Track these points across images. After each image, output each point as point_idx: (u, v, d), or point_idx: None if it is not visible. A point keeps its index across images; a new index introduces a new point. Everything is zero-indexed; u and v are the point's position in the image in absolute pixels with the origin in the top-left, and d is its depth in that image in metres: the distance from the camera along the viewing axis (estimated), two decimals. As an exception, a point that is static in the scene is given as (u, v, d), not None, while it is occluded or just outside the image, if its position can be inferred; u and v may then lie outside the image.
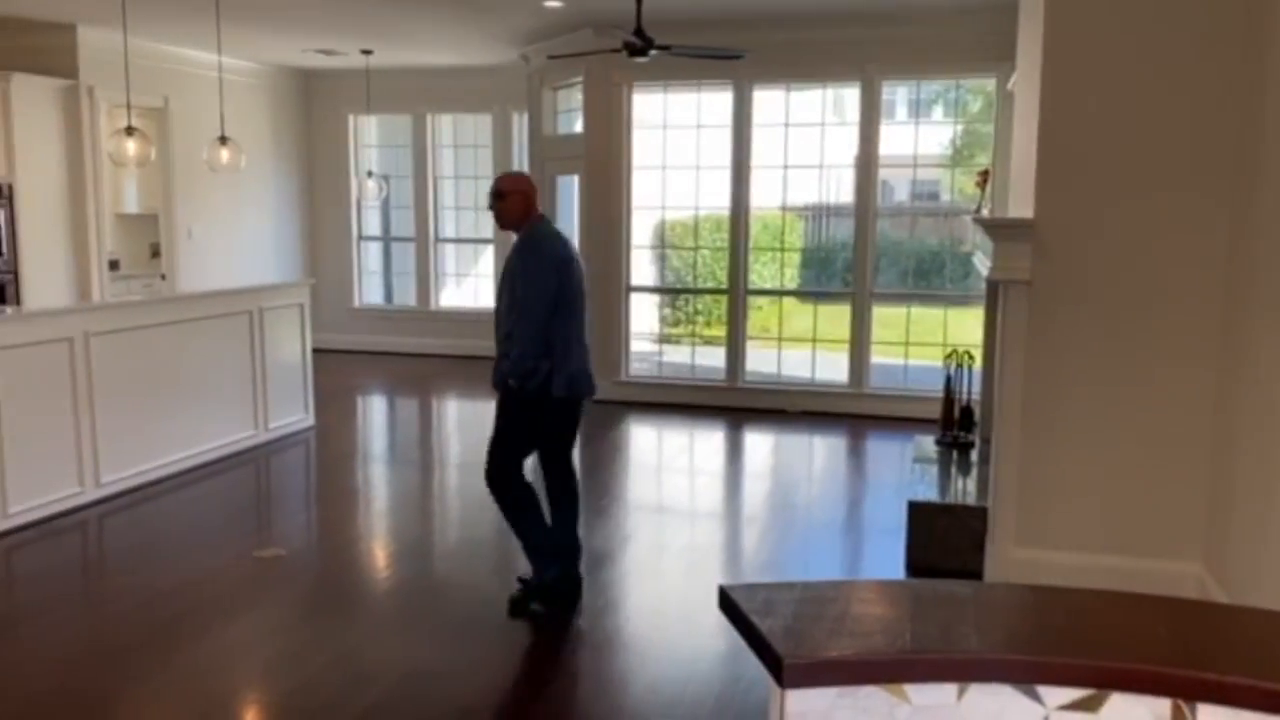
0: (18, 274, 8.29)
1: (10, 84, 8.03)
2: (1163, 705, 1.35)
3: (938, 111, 9.25)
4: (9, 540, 5.25)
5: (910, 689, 1.38)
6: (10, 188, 8.18)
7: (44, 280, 8.43)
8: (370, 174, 11.05)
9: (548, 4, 7.48)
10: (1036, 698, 1.37)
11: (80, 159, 8.62)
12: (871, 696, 1.38)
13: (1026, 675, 1.36)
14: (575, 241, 9.30)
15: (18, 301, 8.22)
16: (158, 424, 6.27)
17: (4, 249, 8.28)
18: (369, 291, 11.87)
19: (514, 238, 4.61)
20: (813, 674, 1.36)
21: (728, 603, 1.55)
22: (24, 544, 5.26)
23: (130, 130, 6.59)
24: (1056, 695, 1.37)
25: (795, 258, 9.85)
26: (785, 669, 1.35)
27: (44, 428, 5.54)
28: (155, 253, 9.77)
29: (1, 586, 4.83)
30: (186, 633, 4.21)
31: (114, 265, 9.24)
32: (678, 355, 9.73)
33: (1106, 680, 1.35)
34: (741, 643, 4.03)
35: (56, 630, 4.27)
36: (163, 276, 9.58)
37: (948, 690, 1.38)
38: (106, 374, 5.88)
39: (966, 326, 8.39)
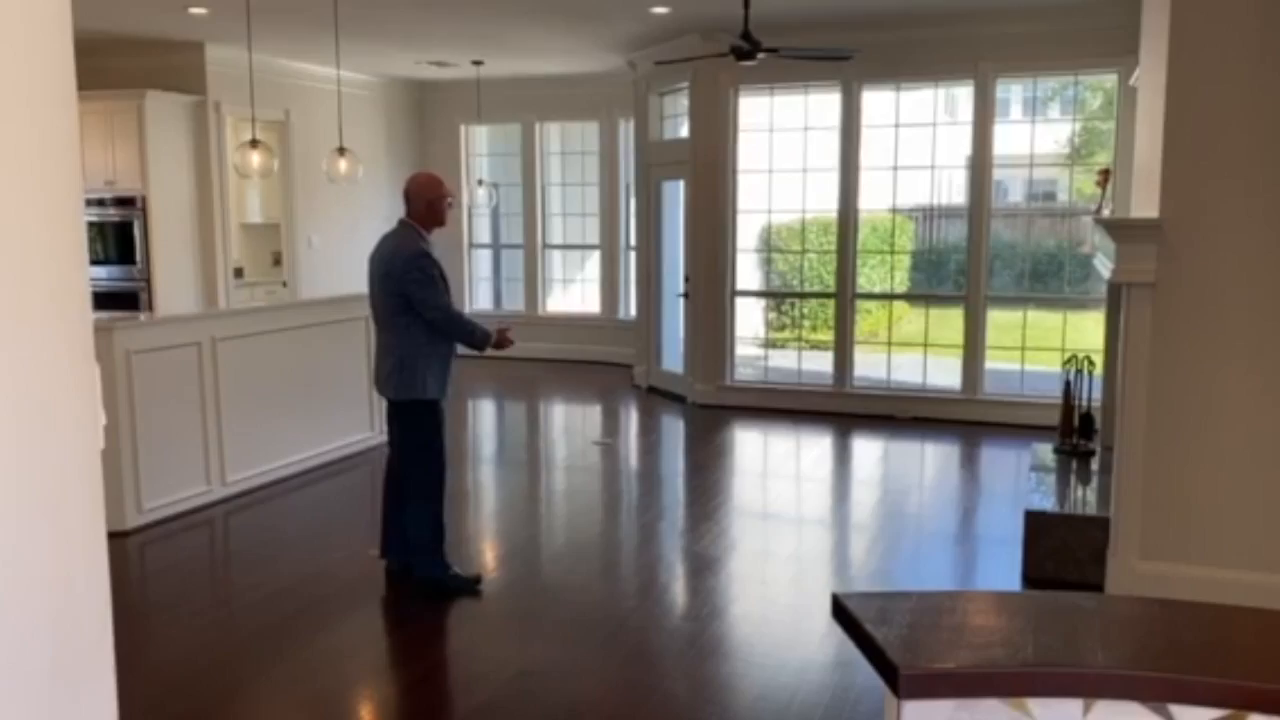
0: (150, 282, 8.71)
1: (144, 101, 8.44)
2: (1307, 729, 1.28)
3: (1054, 109, 8.97)
4: (142, 536, 5.50)
5: (1032, 703, 1.34)
6: (144, 200, 8.59)
7: (173, 287, 8.83)
8: (481, 182, 11.27)
9: (655, 10, 7.51)
10: (1168, 717, 1.31)
11: (207, 171, 9.01)
12: (992, 710, 1.34)
13: (1159, 693, 1.31)
14: (680, 246, 9.33)
15: (150, 308, 8.63)
16: (280, 425, 6.50)
17: (138, 258, 8.70)
18: (479, 297, 12.10)
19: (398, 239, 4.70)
20: (930, 685, 1.33)
21: (842, 610, 1.52)
22: (156, 539, 5.51)
23: (254, 143, 6.85)
24: (1191, 715, 1.31)
25: (905, 260, 9.67)
26: (902, 679, 1.33)
27: (174, 429, 5.79)
28: (277, 260, 10.14)
29: (135, 580, 5.07)
30: (305, 628, 4.35)
31: (238, 273, 9.62)
32: (783, 360, 9.65)
33: (1245, 701, 1.28)
34: (851, 652, 3.95)
35: (184, 622, 4.46)
36: (284, 283, 9.93)
37: (1072, 706, 1.33)
38: (232, 377, 6.12)
39: (1086, 331, 8.12)
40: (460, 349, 4.80)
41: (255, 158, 6.84)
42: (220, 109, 8.94)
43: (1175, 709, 1.31)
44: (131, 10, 7.44)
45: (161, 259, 8.75)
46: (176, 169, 8.83)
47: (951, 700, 1.34)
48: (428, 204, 4.64)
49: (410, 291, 4.52)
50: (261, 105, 7.44)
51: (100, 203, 8.61)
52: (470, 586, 4.74)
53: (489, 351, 4.82)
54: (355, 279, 10.05)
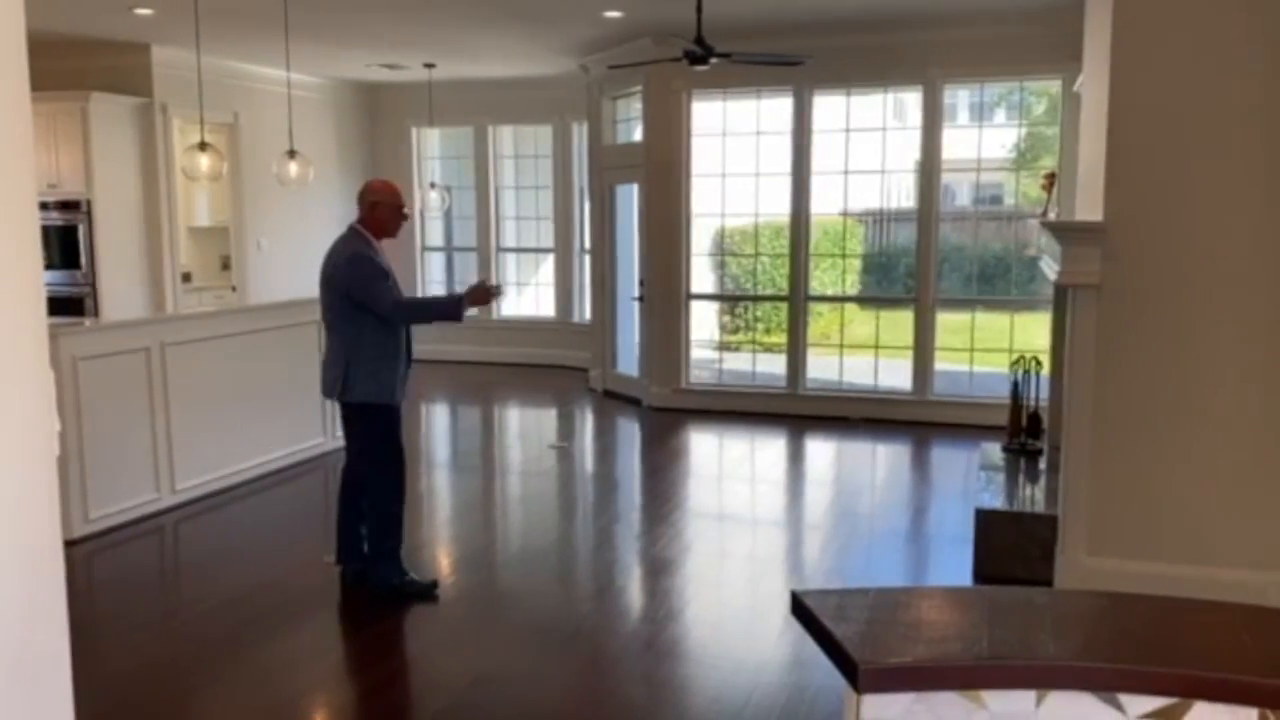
0: (96, 287, 8.55)
1: (89, 103, 8.30)
2: (1249, 715, 1.32)
3: (1000, 114, 9.13)
4: (90, 545, 5.40)
5: (988, 695, 1.37)
6: (89, 203, 8.44)
7: (120, 292, 8.68)
8: (433, 185, 11.20)
9: (607, 14, 7.53)
10: (1118, 706, 1.35)
11: (154, 174, 8.87)
12: (948, 703, 1.37)
13: (1107, 683, 1.35)
14: (635, 249, 9.36)
15: (96, 313, 8.47)
16: (230, 432, 6.41)
17: (83, 263, 8.54)
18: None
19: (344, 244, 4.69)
20: (889, 679, 1.36)
21: (801, 608, 1.55)
22: (104, 548, 5.42)
23: (203, 146, 6.75)
24: (1138, 704, 1.35)
25: (855, 264, 9.78)
26: (861, 674, 1.35)
27: (122, 435, 5.70)
28: (225, 265, 10.01)
29: (83, 590, 4.97)
30: (259, 637, 4.31)
31: (186, 277, 9.48)
32: (737, 363, 9.72)
33: (1191, 689, 1.32)
34: (806, 652, 3.98)
35: (135, 633, 4.39)
36: (233, 288, 9.80)
37: (1026, 698, 1.37)
38: (181, 383, 6.03)
39: (1032, 332, 8.26)
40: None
41: (204, 161, 6.74)
42: (167, 111, 8.81)
43: (1124, 698, 1.35)
44: (75, 11, 7.31)
45: (107, 263, 8.60)
46: (122, 172, 8.68)
47: (909, 694, 1.37)
48: (371, 206, 4.60)
49: (356, 294, 4.51)
50: (209, 108, 7.33)
51: (43, 206, 8.44)
52: (427, 591, 4.72)
53: (471, 311, 4.71)
54: (306, 283, 9.93)
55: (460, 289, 4.74)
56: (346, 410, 4.72)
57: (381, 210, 4.60)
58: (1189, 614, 1.52)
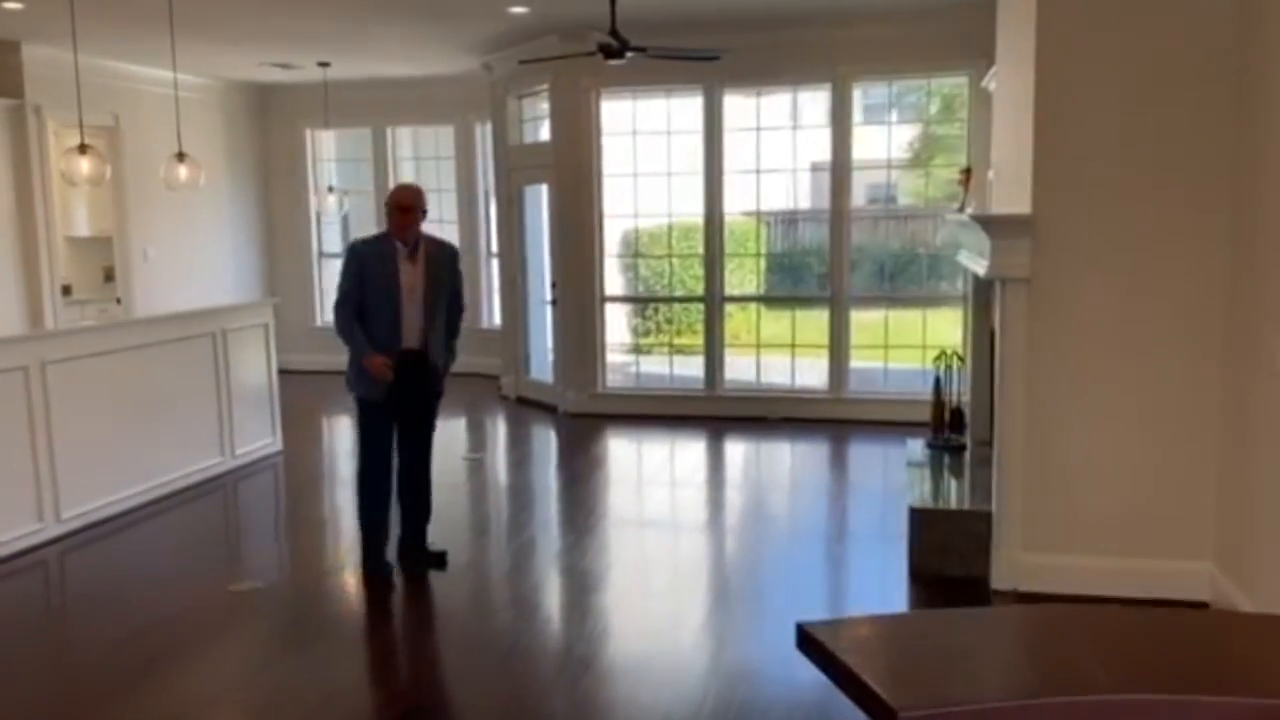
0: (-35, 302, 7.95)
1: (-48, 104, 7.71)
2: (1323, 743, 1.20)
3: (895, 115, 9.17)
4: (-34, 583, 4.95)
5: (1039, 736, 1.22)
6: (-45, 212, 7.84)
7: (-8, 307, 8.09)
8: (330, 189, 10.78)
9: (512, 10, 7.30)
10: (1179, 740, 1.22)
11: (28, 181, 8.29)
12: (996, 746, 1.22)
13: (1170, 717, 1.21)
14: (545, 252, 9.15)
15: (-34, 331, 7.87)
16: (121, 454, 5.98)
17: (-51, 276, 7.93)
18: (331, 310, 11.58)
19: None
20: (932, 725, 1.20)
21: (813, 643, 1.38)
22: (-18, 587, 4.97)
23: (84, 148, 6.30)
24: (1201, 736, 1.22)
25: (761, 263, 9.74)
26: (901, 721, 1.19)
27: None
28: (109, 276, 9.44)
29: (-40, 633, 4.54)
30: (162, 675, 3.96)
31: (66, 290, 8.90)
32: (653, 365, 9.58)
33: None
34: (751, 663, 3.80)
35: (19, 679, 3.99)
36: (118, 300, 9.25)
37: (1079, 735, 1.22)
38: (65, 403, 5.59)
39: (942, 328, 8.30)
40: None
41: (84, 164, 6.29)
42: (41, 113, 8.24)
43: (1185, 731, 1.22)
44: (-66, 4, 6.77)
45: (-23, 276, 8.01)
46: (-8, 179, 8.10)
47: (955, 739, 1.21)
48: (386, 207, 4.87)
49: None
50: (87, 110, 6.84)
51: (-97, 216, 7.81)
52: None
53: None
54: (197, 293, 9.51)
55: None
56: None
57: (387, 211, 4.84)
58: (1234, 628, 1.40)
